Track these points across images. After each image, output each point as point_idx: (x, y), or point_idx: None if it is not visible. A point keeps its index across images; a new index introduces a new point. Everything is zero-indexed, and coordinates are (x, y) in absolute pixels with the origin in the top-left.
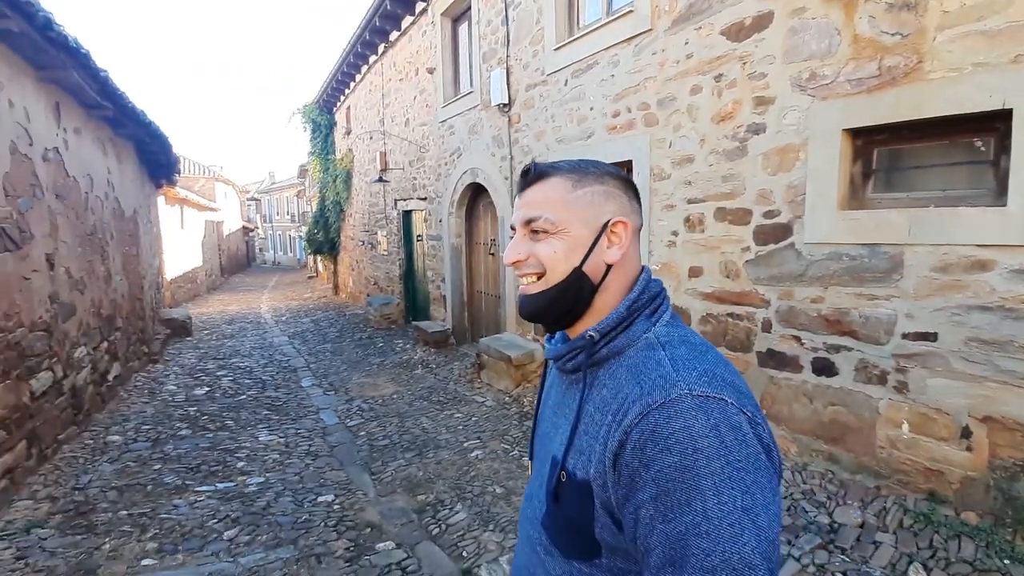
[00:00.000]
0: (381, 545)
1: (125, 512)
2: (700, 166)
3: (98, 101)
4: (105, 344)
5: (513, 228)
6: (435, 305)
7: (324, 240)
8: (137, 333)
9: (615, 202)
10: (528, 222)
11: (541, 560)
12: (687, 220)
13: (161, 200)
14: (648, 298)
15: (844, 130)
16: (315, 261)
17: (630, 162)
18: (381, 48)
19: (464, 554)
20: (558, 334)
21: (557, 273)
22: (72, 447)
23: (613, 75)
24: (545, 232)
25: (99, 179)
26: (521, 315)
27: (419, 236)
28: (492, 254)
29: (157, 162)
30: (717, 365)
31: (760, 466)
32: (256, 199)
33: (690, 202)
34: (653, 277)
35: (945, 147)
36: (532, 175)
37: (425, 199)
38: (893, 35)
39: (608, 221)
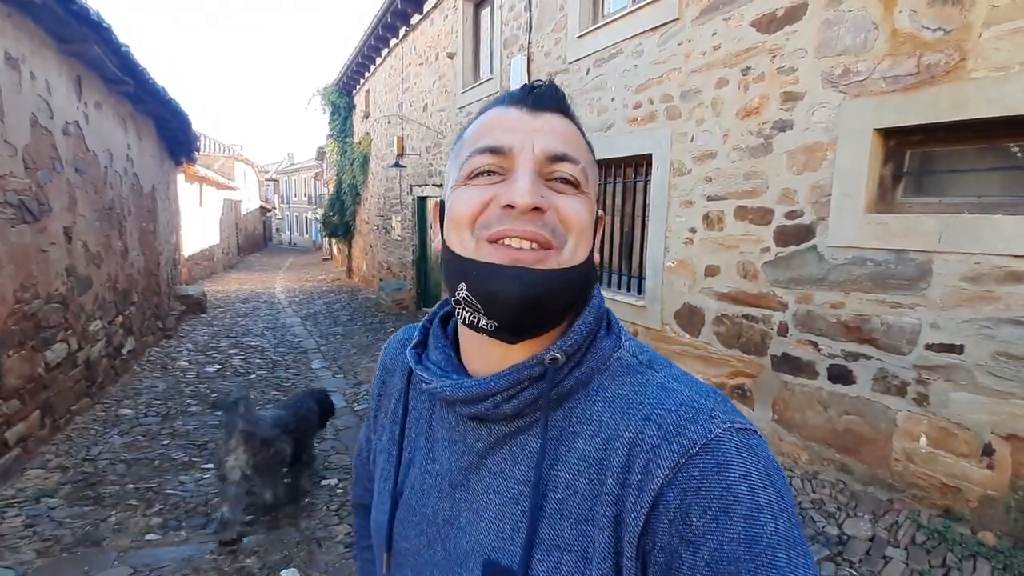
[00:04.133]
0: None
1: (132, 486)
2: (722, 162)
3: (119, 76)
4: (120, 318)
5: (497, 152)
6: (446, 292)
7: (339, 223)
8: (152, 308)
9: None
10: (557, 159)
11: None
12: (706, 217)
13: (181, 178)
14: (599, 303)
15: (876, 130)
16: (330, 244)
17: (650, 156)
18: (402, 32)
19: None
20: (437, 357)
21: (581, 249)
22: (84, 419)
23: (636, 65)
24: (575, 186)
25: (119, 154)
26: (503, 299)
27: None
28: None
29: (176, 139)
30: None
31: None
32: (275, 179)
33: (710, 199)
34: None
35: (982, 151)
36: (558, 98)
37: (441, 185)
38: (935, 31)
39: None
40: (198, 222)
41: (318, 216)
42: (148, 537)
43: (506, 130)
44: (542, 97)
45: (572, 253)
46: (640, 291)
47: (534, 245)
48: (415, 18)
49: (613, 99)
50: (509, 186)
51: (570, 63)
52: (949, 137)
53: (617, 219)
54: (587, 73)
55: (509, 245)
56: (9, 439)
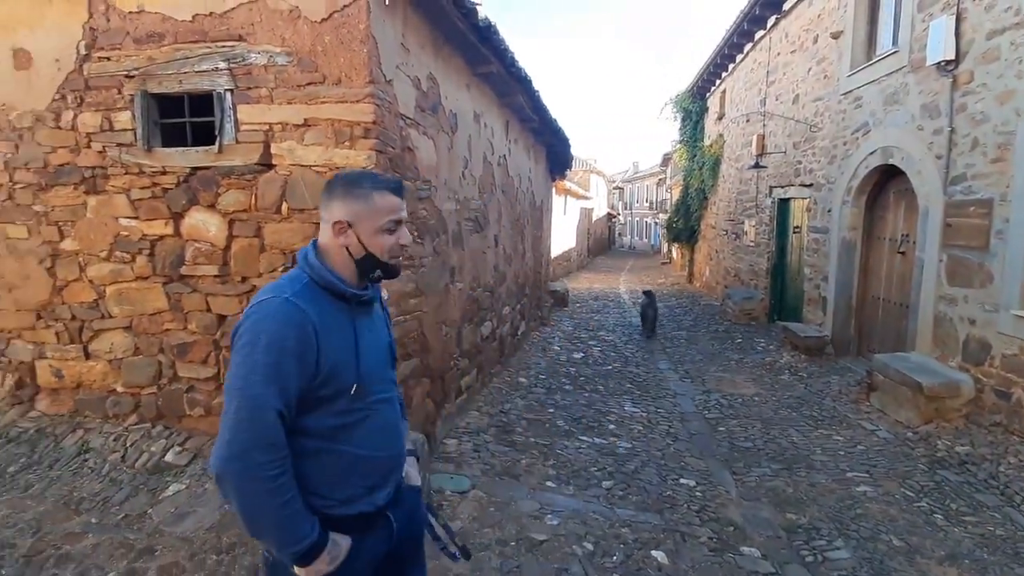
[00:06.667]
0: (746, 549)
1: (533, 439)
2: None
3: (530, 116)
4: (519, 306)
5: (400, 223)
6: (809, 306)
7: (683, 228)
8: (535, 300)
9: None
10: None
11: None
12: None
13: (553, 191)
14: None
15: None
16: (670, 248)
17: None
18: (771, 21)
19: None
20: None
21: None
22: (497, 381)
23: None
24: None
25: (524, 176)
26: (395, 273)
27: (796, 227)
28: (902, 252)
29: (557, 160)
30: None
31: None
32: (620, 187)
33: None
34: None
35: None
36: (404, 188)
37: (810, 185)
38: None
39: None
40: (561, 228)
41: (658, 221)
42: (547, 483)
43: (399, 210)
44: (403, 189)
45: None
46: None
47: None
48: (789, 2)
49: None
50: (403, 234)
51: None
52: None
53: None
54: None
55: (399, 257)
56: (462, 386)
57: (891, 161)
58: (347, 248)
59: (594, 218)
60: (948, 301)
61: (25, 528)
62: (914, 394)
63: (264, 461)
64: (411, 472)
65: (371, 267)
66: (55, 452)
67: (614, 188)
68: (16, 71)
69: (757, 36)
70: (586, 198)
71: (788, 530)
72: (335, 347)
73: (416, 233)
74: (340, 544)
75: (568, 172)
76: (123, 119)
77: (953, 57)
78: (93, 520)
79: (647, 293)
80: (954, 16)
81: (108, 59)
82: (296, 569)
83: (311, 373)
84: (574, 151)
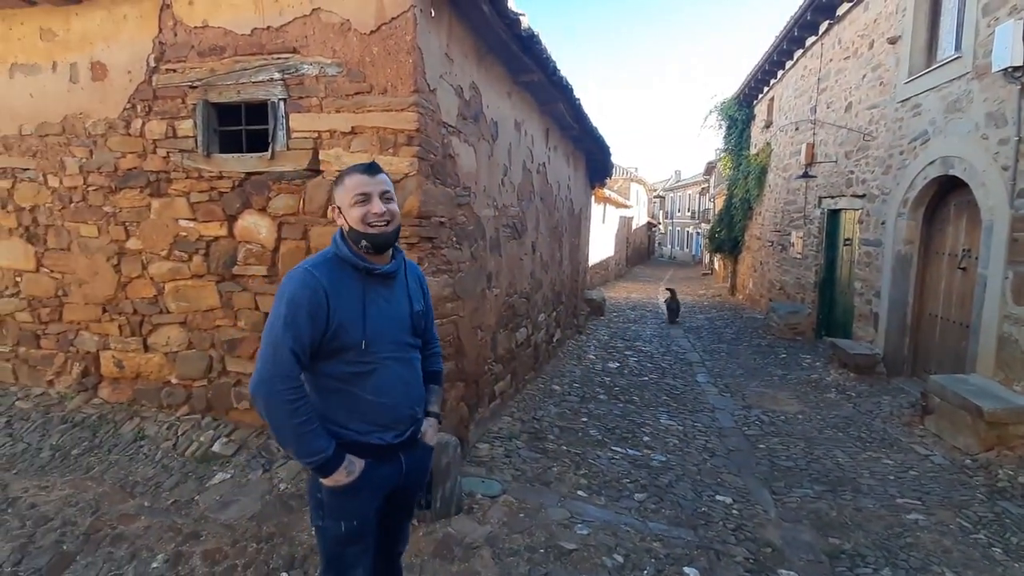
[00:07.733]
0: (784, 572)
1: (565, 447)
2: None
3: (571, 124)
4: (554, 313)
5: (367, 196)
6: (860, 322)
7: (726, 239)
8: (571, 308)
9: None
10: (385, 193)
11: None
12: None
13: (592, 199)
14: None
15: None
16: (711, 259)
17: None
18: (823, 27)
19: None
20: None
21: (398, 223)
22: (531, 388)
23: None
24: (392, 199)
25: (563, 184)
26: (381, 242)
27: (847, 240)
28: (962, 268)
29: (596, 168)
30: None
31: None
32: (661, 196)
33: None
34: None
35: None
36: (379, 168)
37: (863, 196)
38: None
39: None
40: (600, 236)
41: (700, 231)
42: (578, 492)
43: (366, 185)
44: (371, 172)
45: (395, 224)
46: None
47: (385, 223)
48: (843, 8)
49: None
50: (373, 205)
51: None
52: None
53: None
54: None
55: (379, 225)
56: (496, 391)
57: (952, 172)
58: (344, 227)
59: (634, 227)
60: (1014, 321)
61: (85, 507)
62: (974, 419)
63: (282, 388)
64: (429, 432)
65: (357, 238)
66: (114, 438)
67: (655, 197)
68: (93, 82)
69: (808, 42)
70: (626, 206)
71: (831, 555)
72: (343, 308)
73: (454, 238)
74: (355, 463)
75: (608, 180)
76: (186, 127)
77: (1020, 63)
78: (146, 503)
79: (670, 290)
80: (1021, 21)
81: (174, 71)
82: (321, 480)
83: (322, 325)
84: (615, 159)
